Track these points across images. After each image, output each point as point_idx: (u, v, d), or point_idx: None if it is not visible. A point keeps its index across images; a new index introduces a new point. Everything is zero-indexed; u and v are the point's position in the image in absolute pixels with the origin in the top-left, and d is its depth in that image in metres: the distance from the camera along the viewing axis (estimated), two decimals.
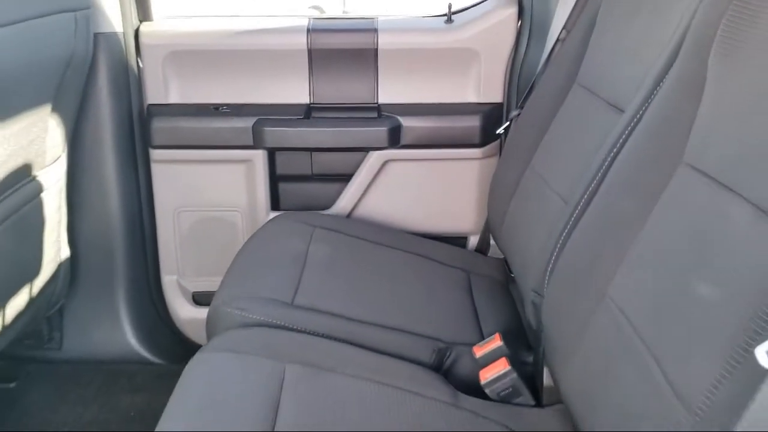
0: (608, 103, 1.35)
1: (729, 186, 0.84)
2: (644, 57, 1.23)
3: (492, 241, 2.05)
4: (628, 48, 1.35)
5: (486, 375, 1.31)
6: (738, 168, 0.84)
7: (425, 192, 2.06)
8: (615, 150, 1.19)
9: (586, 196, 1.24)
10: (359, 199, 2.06)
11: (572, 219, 1.26)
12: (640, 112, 1.16)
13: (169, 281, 2.12)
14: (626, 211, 1.07)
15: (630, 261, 1.02)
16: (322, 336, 1.35)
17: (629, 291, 1.00)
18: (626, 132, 1.18)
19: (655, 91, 1.15)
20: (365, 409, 1.17)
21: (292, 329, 1.35)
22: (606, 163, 1.20)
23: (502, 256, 1.82)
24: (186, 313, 2.12)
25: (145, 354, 2.06)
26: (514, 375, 1.29)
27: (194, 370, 1.20)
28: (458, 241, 2.09)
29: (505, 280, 1.78)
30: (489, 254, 2.08)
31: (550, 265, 1.28)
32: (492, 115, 2.00)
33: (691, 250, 0.89)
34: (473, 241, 2.11)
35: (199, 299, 2.12)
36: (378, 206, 2.07)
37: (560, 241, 1.27)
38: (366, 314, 1.46)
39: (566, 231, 1.25)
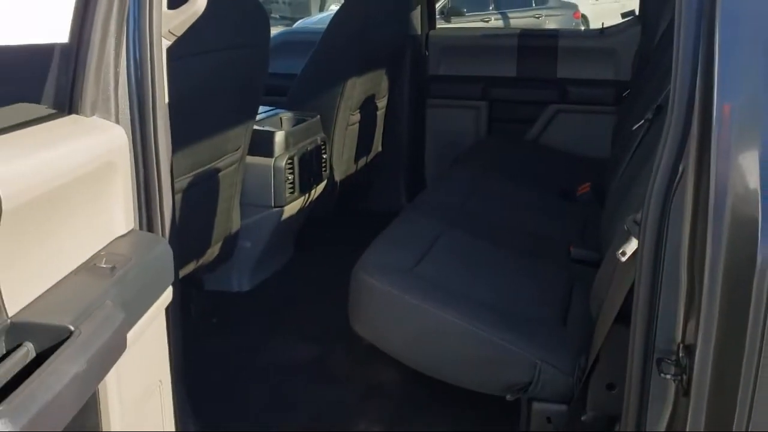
0: None
1: None
2: None
3: None
4: None
5: (581, 191, 2.79)
6: None
7: (579, 130, 3.53)
8: None
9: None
10: (540, 132, 3.59)
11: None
12: None
13: (428, 169, 3.79)
14: None
15: None
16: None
17: None
18: None
19: None
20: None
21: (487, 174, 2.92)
22: None
23: None
24: None
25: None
26: (590, 191, 2.76)
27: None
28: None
29: None
30: None
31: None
32: (622, 87, 3.42)
33: None
34: None
35: None
36: (552, 136, 3.58)
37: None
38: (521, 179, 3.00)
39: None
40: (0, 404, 0.84)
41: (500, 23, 9.24)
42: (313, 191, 2.89)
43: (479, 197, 2.59)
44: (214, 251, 2.46)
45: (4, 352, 0.98)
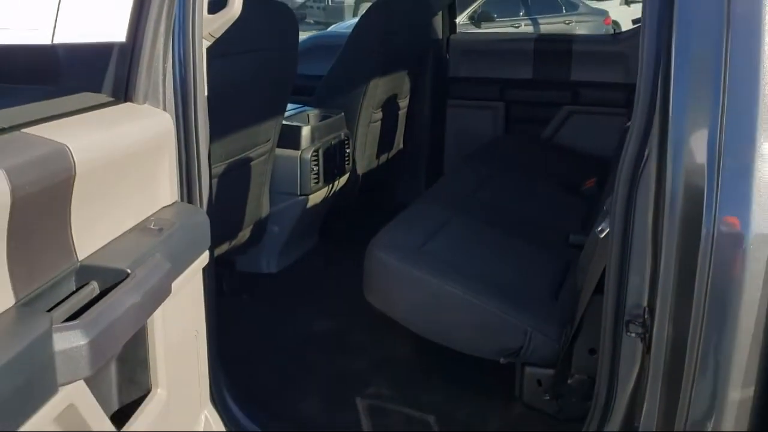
0: None
1: None
2: None
3: None
4: None
5: (586, 185, 2.99)
6: None
7: (591, 130, 3.71)
8: None
9: None
10: (554, 132, 3.78)
11: None
12: None
13: (447, 166, 4.00)
14: None
15: None
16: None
17: None
18: None
19: None
20: None
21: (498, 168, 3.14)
22: None
23: None
24: None
25: None
26: (595, 185, 2.95)
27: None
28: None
29: None
30: None
31: None
32: (632, 89, 3.58)
33: None
34: None
35: None
36: (565, 136, 3.77)
37: None
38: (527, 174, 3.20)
39: None
40: (76, 320, 1.09)
41: (530, 29, 9.41)
42: (336, 182, 3.12)
43: (488, 188, 2.80)
44: (245, 234, 2.71)
45: (74, 288, 1.23)
